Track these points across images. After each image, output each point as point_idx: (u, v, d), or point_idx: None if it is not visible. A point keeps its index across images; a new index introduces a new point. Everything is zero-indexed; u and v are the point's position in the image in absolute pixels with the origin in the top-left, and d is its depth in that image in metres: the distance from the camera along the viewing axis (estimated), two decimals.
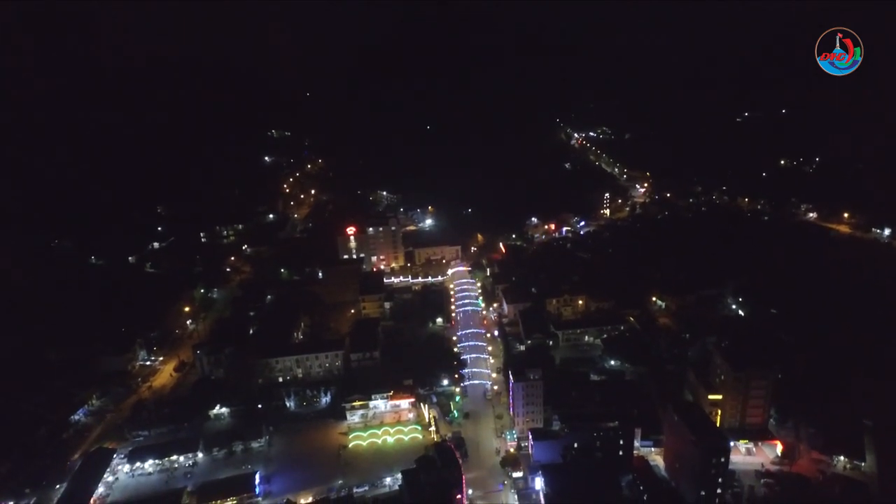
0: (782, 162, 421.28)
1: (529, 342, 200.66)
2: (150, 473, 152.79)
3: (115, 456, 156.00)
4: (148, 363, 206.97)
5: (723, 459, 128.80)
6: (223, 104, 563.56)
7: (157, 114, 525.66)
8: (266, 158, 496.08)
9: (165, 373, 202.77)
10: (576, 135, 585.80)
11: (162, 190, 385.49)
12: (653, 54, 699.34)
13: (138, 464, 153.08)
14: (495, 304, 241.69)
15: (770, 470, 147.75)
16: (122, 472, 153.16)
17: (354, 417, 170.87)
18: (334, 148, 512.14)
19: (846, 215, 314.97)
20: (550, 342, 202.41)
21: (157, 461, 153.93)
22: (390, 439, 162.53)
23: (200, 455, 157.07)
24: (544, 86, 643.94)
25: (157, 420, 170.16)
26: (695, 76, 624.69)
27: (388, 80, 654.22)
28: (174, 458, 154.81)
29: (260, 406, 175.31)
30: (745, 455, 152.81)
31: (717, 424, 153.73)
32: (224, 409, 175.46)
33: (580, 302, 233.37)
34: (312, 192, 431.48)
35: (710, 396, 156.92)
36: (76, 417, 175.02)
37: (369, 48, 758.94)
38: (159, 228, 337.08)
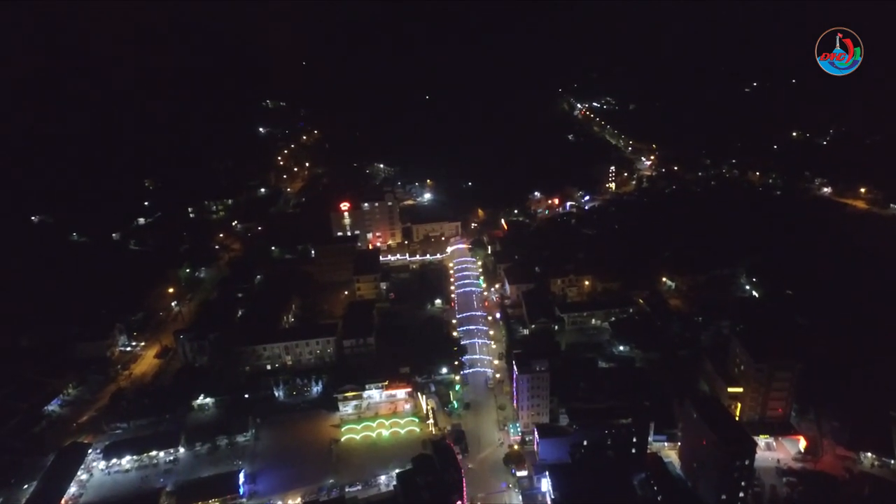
0: (794, 134, 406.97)
1: (534, 326, 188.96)
2: (127, 471, 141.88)
3: (90, 451, 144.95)
4: (128, 349, 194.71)
5: (747, 462, 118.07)
6: (215, 72, 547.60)
7: (145, 82, 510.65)
8: (260, 129, 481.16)
9: (147, 359, 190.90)
10: (579, 105, 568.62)
11: (150, 162, 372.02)
12: (655, 22, 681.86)
13: (115, 460, 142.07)
14: (497, 285, 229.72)
15: (792, 468, 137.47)
16: (97, 469, 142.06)
17: (347, 408, 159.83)
18: (331, 119, 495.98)
19: (863, 190, 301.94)
20: (556, 327, 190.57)
21: (135, 457, 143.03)
22: (385, 433, 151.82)
23: (182, 450, 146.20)
24: (546, 55, 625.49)
25: (136, 411, 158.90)
26: (699, 45, 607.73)
27: (386, 49, 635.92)
28: (153, 453, 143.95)
29: (246, 396, 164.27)
30: (765, 450, 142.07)
31: (737, 418, 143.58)
32: (208, 400, 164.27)
33: (586, 283, 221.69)
34: (307, 164, 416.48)
35: (730, 389, 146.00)
36: (50, 408, 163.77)
37: (366, 15, 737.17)
38: (146, 203, 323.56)
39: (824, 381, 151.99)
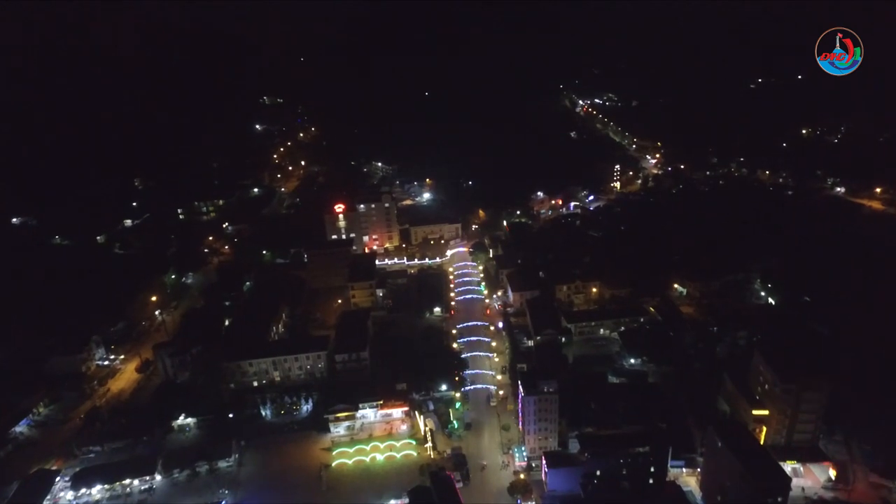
0: (804, 132, 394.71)
1: (539, 338, 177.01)
2: (97, 501, 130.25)
3: (57, 479, 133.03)
4: (106, 363, 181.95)
5: (780, 499, 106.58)
6: (212, 67, 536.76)
7: (139, 76, 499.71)
8: (257, 126, 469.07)
9: (127, 373, 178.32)
10: (581, 102, 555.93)
11: (141, 160, 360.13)
12: (656, 17, 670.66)
13: (84, 490, 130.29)
14: (499, 292, 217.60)
15: (823, 497, 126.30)
16: (64, 499, 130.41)
17: (339, 430, 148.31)
18: (329, 115, 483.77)
19: (878, 190, 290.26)
20: (562, 338, 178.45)
21: (106, 486, 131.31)
22: (380, 457, 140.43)
23: (158, 478, 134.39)
24: (547, 50, 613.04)
25: (111, 433, 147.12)
26: (701, 40, 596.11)
27: (386, 45, 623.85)
28: (127, 482, 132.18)
29: (231, 416, 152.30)
30: (791, 476, 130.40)
31: (761, 442, 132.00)
32: (189, 420, 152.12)
33: (594, 289, 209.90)
34: (303, 162, 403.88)
35: (755, 412, 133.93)
36: (18, 430, 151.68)
37: (366, 13, 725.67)
38: (134, 204, 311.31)
39: (852, 398, 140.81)
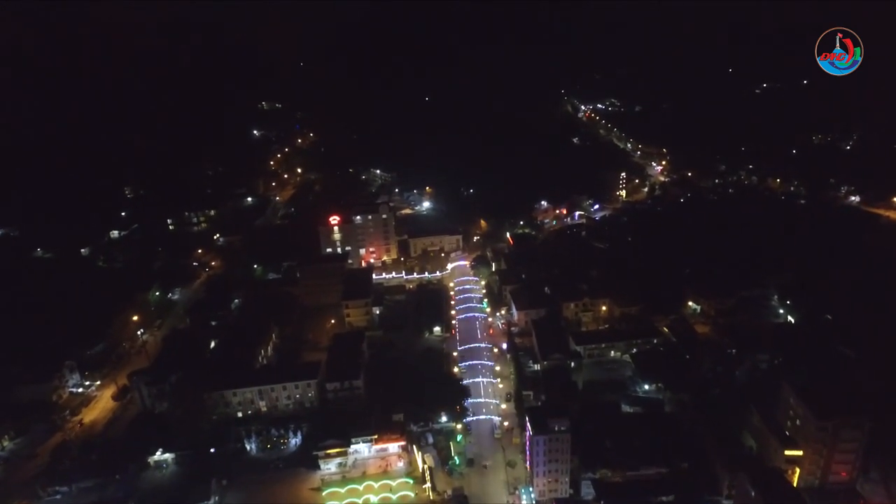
0: (814, 138, 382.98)
1: (546, 363, 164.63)
2: None
3: None
4: (80, 390, 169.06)
5: None
6: (209, 72, 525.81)
7: (132, 81, 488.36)
8: (255, 132, 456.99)
9: (103, 401, 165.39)
10: (583, 107, 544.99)
11: (133, 167, 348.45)
12: (654, 20, 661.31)
13: None
14: (503, 310, 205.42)
15: None
16: None
17: (330, 467, 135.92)
18: (328, 121, 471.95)
19: (895, 199, 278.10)
20: (571, 363, 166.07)
21: None
22: (374, 498, 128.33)
23: None
24: (547, 55, 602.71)
25: (81, 470, 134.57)
26: (703, 44, 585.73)
27: (386, 51, 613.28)
28: None
29: (213, 450, 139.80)
30: None
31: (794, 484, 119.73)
32: (167, 455, 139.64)
33: (603, 307, 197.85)
34: (299, 170, 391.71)
35: (788, 453, 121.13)
36: None
37: (366, 17, 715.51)
38: (122, 214, 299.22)
39: (889, 431, 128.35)
